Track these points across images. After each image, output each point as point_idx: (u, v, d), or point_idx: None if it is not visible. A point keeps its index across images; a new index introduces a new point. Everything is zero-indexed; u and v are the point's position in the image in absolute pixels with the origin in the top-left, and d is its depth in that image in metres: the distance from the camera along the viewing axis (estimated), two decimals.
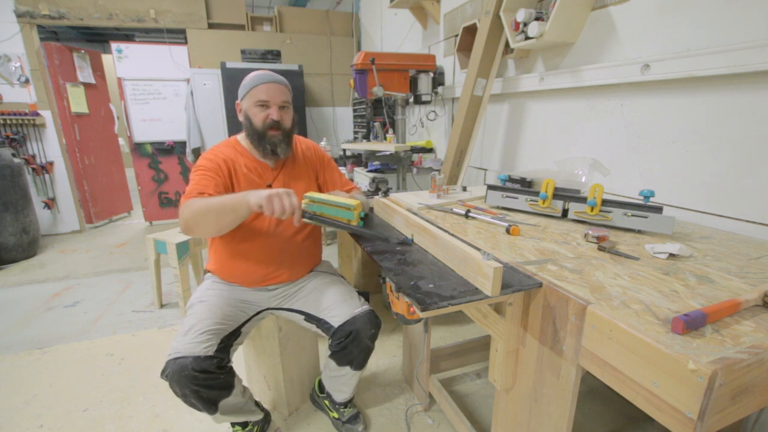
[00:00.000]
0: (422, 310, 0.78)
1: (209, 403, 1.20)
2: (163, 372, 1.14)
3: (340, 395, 1.50)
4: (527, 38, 1.75)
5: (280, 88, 1.32)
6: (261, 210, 1.10)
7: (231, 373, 1.25)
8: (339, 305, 1.37)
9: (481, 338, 1.78)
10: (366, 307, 1.38)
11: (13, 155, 3.44)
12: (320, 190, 1.52)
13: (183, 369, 1.12)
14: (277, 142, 1.32)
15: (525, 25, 1.76)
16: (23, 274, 3.16)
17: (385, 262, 1.02)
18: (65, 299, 2.67)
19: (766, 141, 1.15)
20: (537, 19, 1.72)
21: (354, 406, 1.57)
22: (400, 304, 1.01)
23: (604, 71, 1.58)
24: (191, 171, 1.33)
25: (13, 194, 3.32)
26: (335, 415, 1.54)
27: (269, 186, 1.38)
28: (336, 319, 1.34)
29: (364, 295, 1.46)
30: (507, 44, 1.97)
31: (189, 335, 1.19)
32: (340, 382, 1.45)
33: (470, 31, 2.44)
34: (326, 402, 1.57)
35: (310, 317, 1.42)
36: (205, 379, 1.15)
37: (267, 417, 1.51)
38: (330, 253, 3.48)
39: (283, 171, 1.42)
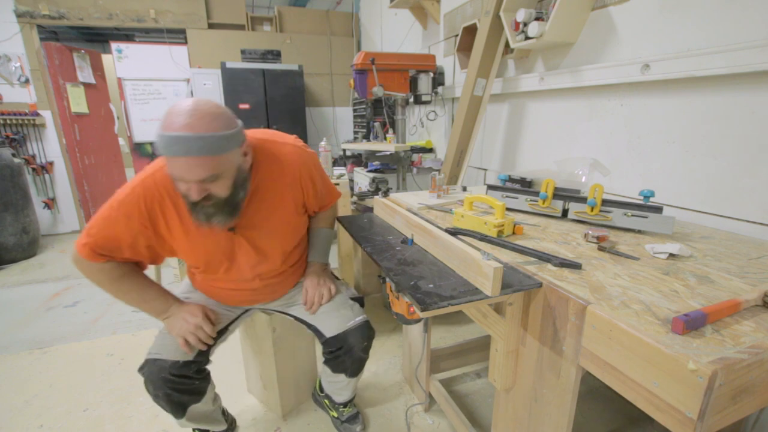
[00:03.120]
0: (422, 310, 0.78)
1: (178, 407, 1.17)
2: (140, 369, 1.15)
3: (339, 397, 1.50)
4: (527, 38, 1.75)
5: (197, 163, 0.89)
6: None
7: (207, 379, 1.24)
8: (331, 315, 1.32)
9: (481, 338, 1.78)
10: (360, 319, 1.31)
11: (13, 155, 3.44)
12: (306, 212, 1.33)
13: (161, 371, 1.11)
14: (211, 213, 0.99)
15: (525, 25, 1.76)
16: (23, 274, 3.16)
17: (385, 262, 1.02)
18: (65, 299, 2.67)
19: (766, 141, 1.15)
20: (537, 19, 1.72)
21: (354, 406, 1.57)
22: (400, 304, 1.01)
23: (604, 71, 1.58)
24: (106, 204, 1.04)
25: (13, 194, 3.32)
26: (335, 414, 1.54)
27: (231, 230, 1.13)
28: (327, 330, 1.30)
29: (359, 300, 1.40)
30: (507, 44, 1.97)
31: (170, 336, 1.17)
32: (338, 387, 1.45)
33: (470, 31, 2.45)
34: (326, 401, 1.57)
35: (301, 321, 1.40)
36: (181, 384, 1.13)
37: (231, 425, 1.49)
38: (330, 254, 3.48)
39: (250, 209, 1.13)
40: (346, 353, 1.28)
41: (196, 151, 0.88)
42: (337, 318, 1.31)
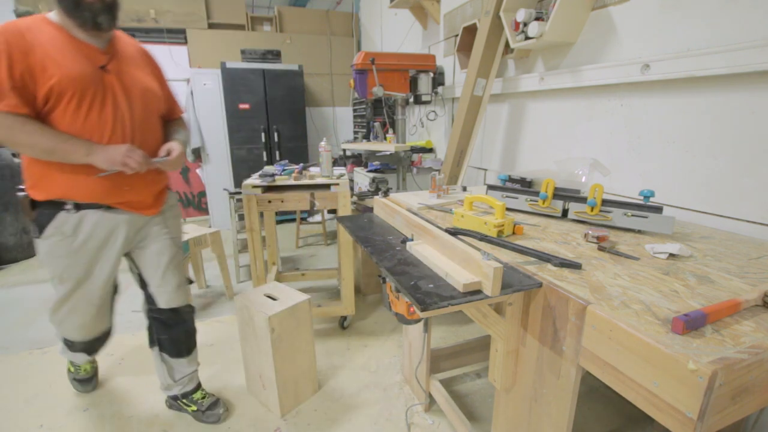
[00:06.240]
0: (422, 310, 0.78)
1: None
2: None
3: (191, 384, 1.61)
4: (527, 38, 1.75)
5: None
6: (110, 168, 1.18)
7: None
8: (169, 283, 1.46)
9: (481, 338, 1.78)
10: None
11: (13, 155, 3.44)
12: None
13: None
14: (97, 11, 1.13)
15: (525, 25, 1.76)
16: (23, 274, 3.15)
17: (385, 262, 1.01)
18: None
19: (766, 141, 1.15)
20: (537, 19, 1.72)
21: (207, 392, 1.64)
22: (400, 304, 1.02)
23: (604, 71, 1.58)
24: None
25: (13, 194, 3.32)
26: (194, 407, 1.58)
27: (102, 68, 1.20)
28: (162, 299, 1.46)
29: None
30: (507, 44, 1.97)
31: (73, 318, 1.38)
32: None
33: (470, 31, 2.45)
34: (182, 402, 1.60)
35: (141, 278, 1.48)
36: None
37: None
38: (330, 253, 3.48)
39: (117, 56, 1.25)
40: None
41: None
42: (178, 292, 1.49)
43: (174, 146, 1.33)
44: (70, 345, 1.51)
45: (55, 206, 1.21)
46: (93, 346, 1.53)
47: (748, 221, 1.21)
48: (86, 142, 1.15)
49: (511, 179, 1.52)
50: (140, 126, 1.28)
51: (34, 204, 1.23)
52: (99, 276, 1.33)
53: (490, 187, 1.45)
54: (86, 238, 1.26)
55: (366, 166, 3.09)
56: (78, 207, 1.22)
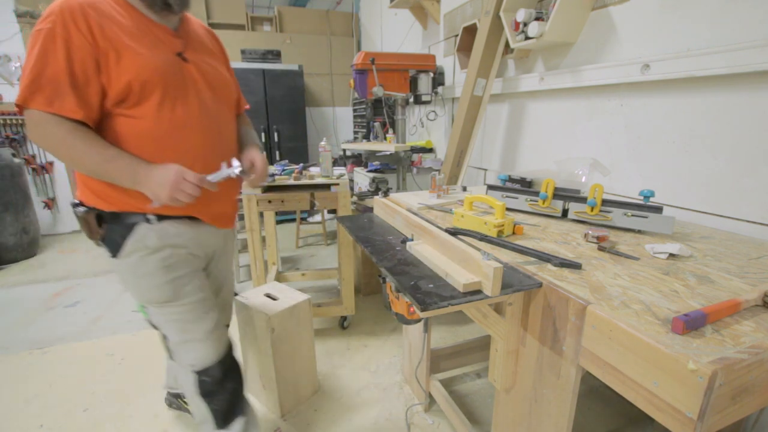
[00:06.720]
0: (422, 310, 0.78)
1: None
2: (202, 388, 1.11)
3: None
4: (527, 38, 1.75)
5: None
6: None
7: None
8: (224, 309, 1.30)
9: (481, 338, 1.78)
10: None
11: (13, 155, 3.44)
12: None
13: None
14: None
15: (525, 25, 1.76)
16: (23, 274, 3.15)
17: (385, 262, 1.01)
18: (65, 299, 2.67)
19: (766, 141, 1.15)
20: (537, 19, 1.72)
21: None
22: (400, 304, 1.02)
23: (604, 71, 1.58)
24: (32, 39, 0.87)
25: (13, 194, 3.32)
26: None
27: (179, 55, 1.01)
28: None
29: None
30: (507, 44, 1.97)
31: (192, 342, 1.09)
32: None
33: (470, 31, 2.45)
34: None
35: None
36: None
37: None
38: (330, 253, 3.48)
39: (191, 41, 1.07)
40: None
41: None
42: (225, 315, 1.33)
43: (256, 157, 1.13)
44: (207, 380, 1.12)
45: (131, 218, 1.00)
46: (227, 375, 1.16)
47: (748, 221, 1.21)
48: (134, 167, 0.92)
49: (511, 179, 1.52)
50: (223, 124, 1.10)
51: (100, 218, 1.00)
52: (195, 293, 1.09)
53: (490, 187, 1.45)
54: (174, 250, 1.05)
55: (366, 166, 3.09)
56: (160, 218, 1.02)
